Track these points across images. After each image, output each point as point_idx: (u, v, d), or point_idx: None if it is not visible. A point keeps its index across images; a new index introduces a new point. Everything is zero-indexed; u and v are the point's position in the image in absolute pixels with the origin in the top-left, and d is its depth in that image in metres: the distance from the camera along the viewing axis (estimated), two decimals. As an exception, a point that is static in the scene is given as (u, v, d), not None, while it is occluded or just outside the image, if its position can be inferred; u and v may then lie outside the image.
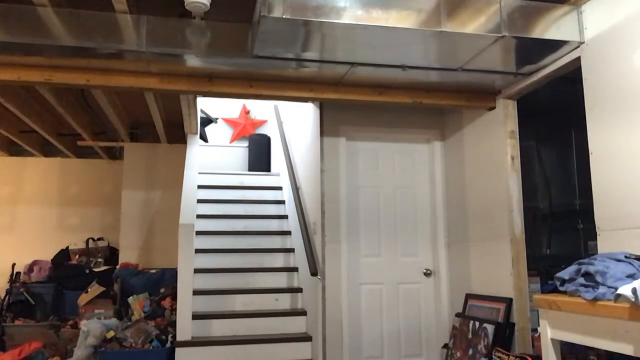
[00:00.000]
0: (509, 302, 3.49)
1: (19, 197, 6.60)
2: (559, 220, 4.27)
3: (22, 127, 5.59)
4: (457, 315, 4.00)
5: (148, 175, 6.32)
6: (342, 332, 4.09)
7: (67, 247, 6.36)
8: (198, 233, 4.85)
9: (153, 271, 5.56)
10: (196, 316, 4.22)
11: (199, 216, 5.17)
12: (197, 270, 4.52)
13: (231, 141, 7.72)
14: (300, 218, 4.80)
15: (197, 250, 4.68)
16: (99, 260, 6.20)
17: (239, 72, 3.27)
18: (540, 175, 4.30)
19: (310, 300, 4.39)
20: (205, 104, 7.18)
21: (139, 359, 4.13)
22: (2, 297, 5.75)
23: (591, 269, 2.18)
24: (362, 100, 3.57)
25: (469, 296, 3.97)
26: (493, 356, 3.33)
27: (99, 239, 6.47)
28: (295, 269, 5.01)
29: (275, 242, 5.43)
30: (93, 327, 4.34)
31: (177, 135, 6.02)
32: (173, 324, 4.25)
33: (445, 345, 4.06)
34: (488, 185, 3.81)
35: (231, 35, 2.95)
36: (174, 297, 4.52)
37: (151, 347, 4.14)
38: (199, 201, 5.46)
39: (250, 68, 3.18)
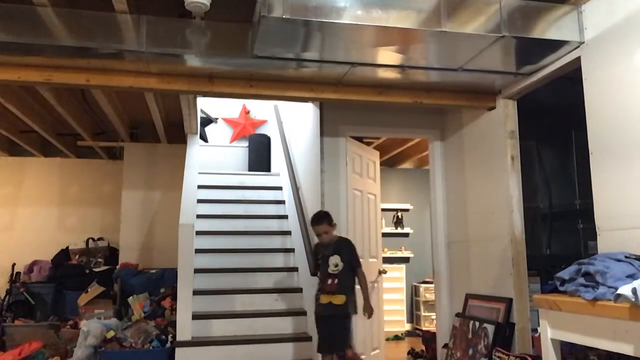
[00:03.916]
0: (509, 302, 3.49)
1: (19, 197, 6.60)
2: (559, 220, 4.27)
3: (22, 127, 5.59)
4: (457, 315, 4.00)
5: (148, 175, 6.32)
6: (342, 332, 4.09)
7: (67, 247, 6.36)
8: (198, 233, 4.84)
9: (153, 271, 5.56)
10: (196, 316, 4.21)
11: (199, 216, 5.17)
12: (197, 270, 4.51)
13: (231, 141, 7.72)
14: (300, 218, 4.80)
15: (197, 250, 4.67)
16: (99, 260, 6.20)
17: (239, 72, 3.27)
18: (540, 175, 4.30)
19: (310, 300, 4.38)
20: (205, 104, 7.17)
21: (139, 359, 4.13)
22: (2, 297, 5.75)
23: (591, 269, 2.18)
24: (362, 100, 3.57)
25: (469, 296, 3.97)
26: (493, 356, 3.33)
27: (99, 239, 6.46)
28: (295, 269, 5.01)
29: (275, 242, 5.43)
30: (93, 327, 4.34)
31: (177, 135, 6.02)
32: (173, 324, 4.25)
33: (445, 345, 4.06)
34: (488, 185, 3.81)
35: (231, 35, 2.95)
36: (174, 297, 4.51)
37: (151, 347, 4.14)
38: (199, 201, 5.46)
39: (250, 68, 3.18)
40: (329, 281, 3.64)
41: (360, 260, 3.77)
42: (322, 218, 3.79)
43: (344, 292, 3.59)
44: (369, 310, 3.66)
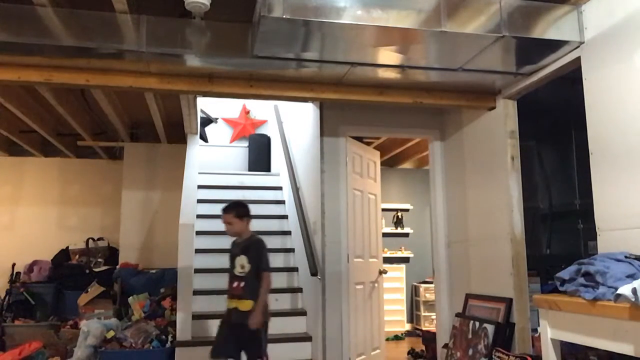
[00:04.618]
0: (509, 302, 3.49)
1: (19, 197, 6.60)
2: (559, 220, 4.27)
3: (22, 127, 5.59)
4: (457, 315, 4.00)
5: (148, 175, 6.32)
6: (342, 332, 4.09)
7: (67, 247, 6.36)
8: (198, 233, 4.84)
9: (153, 271, 5.56)
10: (196, 316, 4.22)
11: (199, 216, 5.17)
12: (197, 270, 4.52)
13: (231, 141, 7.72)
14: (300, 218, 4.80)
15: (197, 250, 4.67)
16: (99, 260, 6.20)
17: (239, 72, 3.27)
18: (540, 175, 4.30)
19: (310, 300, 4.38)
20: (205, 104, 7.17)
21: (139, 359, 4.13)
22: (2, 297, 5.75)
23: (591, 269, 2.18)
24: (362, 100, 3.57)
25: (469, 296, 3.97)
26: (493, 356, 3.33)
27: (99, 239, 6.46)
28: (295, 269, 5.01)
29: (276, 242, 5.43)
30: (93, 327, 4.34)
31: (177, 135, 6.02)
32: (173, 324, 4.25)
33: (445, 345, 4.06)
34: (488, 185, 3.81)
35: (231, 35, 2.95)
36: (174, 297, 4.52)
37: (151, 347, 4.14)
38: (199, 201, 5.46)
39: (250, 68, 3.18)
40: (235, 284, 3.33)
41: (270, 264, 3.44)
42: (231, 207, 3.44)
43: (251, 297, 3.24)
44: (256, 320, 3.21)
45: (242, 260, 3.33)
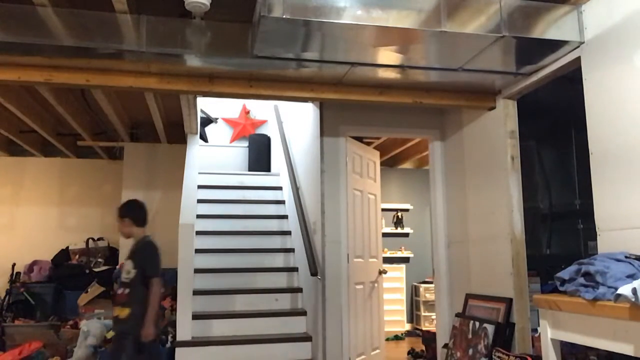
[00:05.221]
0: (509, 302, 3.49)
1: (19, 197, 6.60)
2: (559, 220, 4.27)
3: (22, 127, 5.59)
4: (457, 315, 4.00)
5: (148, 175, 6.32)
6: (342, 332, 4.09)
7: (67, 247, 6.36)
8: (198, 233, 4.85)
9: (153, 271, 5.56)
10: (196, 316, 4.22)
11: (199, 216, 5.18)
12: (197, 270, 4.52)
13: (231, 141, 7.72)
14: (300, 218, 4.80)
15: (197, 250, 4.68)
16: (99, 260, 6.20)
17: (239, 72, 3.27)
18: (540, 175, 4.30)
19: (310, 300, 4.39)
20: (205, 104, 7.18)
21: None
22: (2, 297, 5.75)
23: (591, 269, 2.18)
24: (362, 100, 3.57)
25: (469, 296, 3.97)
26: (493, 356, 3.33)
27: (99, 239, 6.46)
28: (295, 269, 5.01)
29: (275, 242, 5.44)
30: (93, 327, 4.35)
31: (177, 135, 6.02)
32: (173, 324, 4.25)
33: (445, 345, 4.06)
34: (488, 185, 3.81)
35: (231, 35, 2.95)
36: (174, 297, 4.51)
37: (151, 347, 4.14)
38: (199, 201, 5.47)
39: (250, 68, 3.18)
40: (120, 290, 3.12)
41: (161, 269, 3.17)
42: (118, 209, 3.29)
43: (131, 305, 3.04)
44: (146, 333, 3.00)
45: (128, 265, 3.14)
